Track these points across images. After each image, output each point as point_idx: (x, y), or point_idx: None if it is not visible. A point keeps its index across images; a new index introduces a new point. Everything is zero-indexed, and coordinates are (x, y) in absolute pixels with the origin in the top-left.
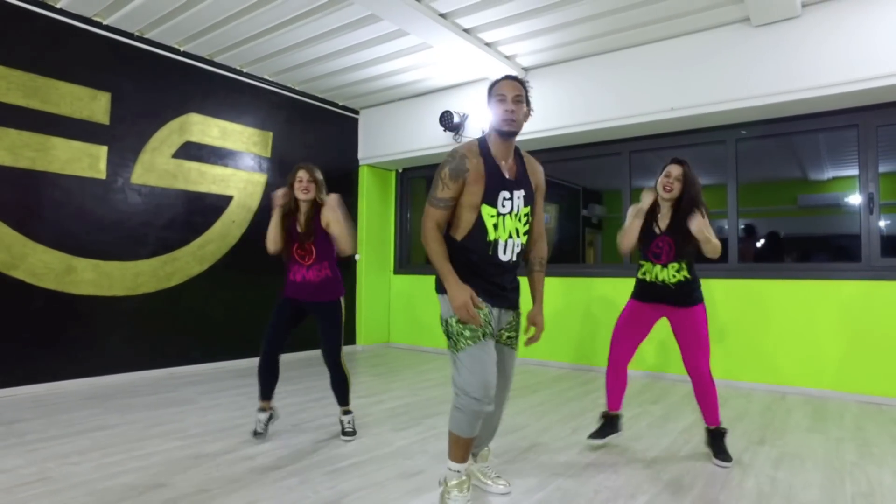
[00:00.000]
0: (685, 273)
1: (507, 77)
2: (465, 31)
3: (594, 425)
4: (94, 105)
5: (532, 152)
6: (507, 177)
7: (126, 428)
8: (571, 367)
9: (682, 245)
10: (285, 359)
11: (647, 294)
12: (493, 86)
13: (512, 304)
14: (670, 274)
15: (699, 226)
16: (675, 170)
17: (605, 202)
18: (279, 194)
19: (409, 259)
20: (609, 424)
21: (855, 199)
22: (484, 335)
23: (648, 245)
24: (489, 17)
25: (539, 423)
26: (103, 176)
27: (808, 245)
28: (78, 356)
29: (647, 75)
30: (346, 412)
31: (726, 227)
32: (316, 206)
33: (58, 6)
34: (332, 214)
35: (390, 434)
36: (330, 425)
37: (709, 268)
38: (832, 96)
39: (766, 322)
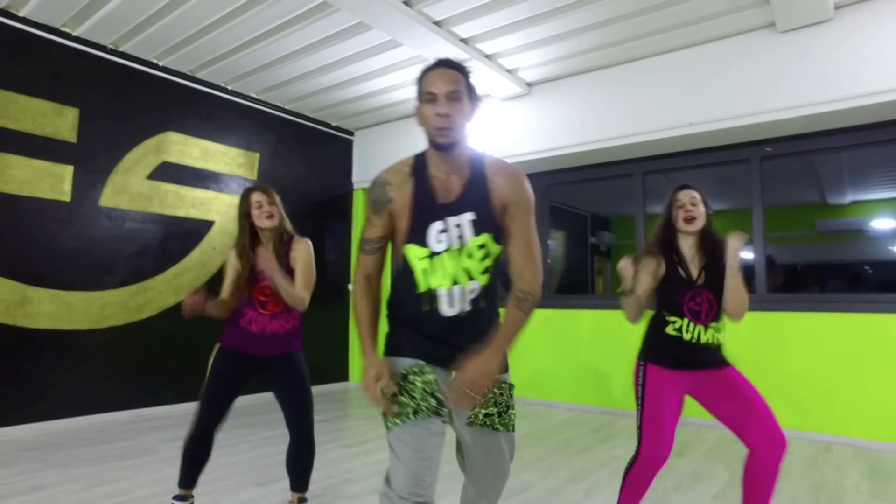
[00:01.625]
0: (724, 333)
1: (438, 63)
2: (463, 41)
3: (612, 485)
4: (60, 121)
5: (537, 174)
6: (439, 201)
7: (60, 489)
8: (581, 408)
9: (721, 301)
10: (265, 398)
11: (678, 354)
12: (420, 78)
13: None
14: (712, 336)
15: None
16: (685, 195)
17: (615, 229)
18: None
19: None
20: None
21: (882, 223)
22: (416, 412)
23: (681, 299)
24: (488, 24)
25: (546, 482)
26: (67, 198)
27: (827, 273)
28: (29, 398)
29: (662, 88)
30: (303, 500)
31: (752, 255)
32: (282, 239)
33: (20, 14)
34: (305, 255)
35: (370, 498)
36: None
37: None
38: (871, 106)
39: (802, 360)
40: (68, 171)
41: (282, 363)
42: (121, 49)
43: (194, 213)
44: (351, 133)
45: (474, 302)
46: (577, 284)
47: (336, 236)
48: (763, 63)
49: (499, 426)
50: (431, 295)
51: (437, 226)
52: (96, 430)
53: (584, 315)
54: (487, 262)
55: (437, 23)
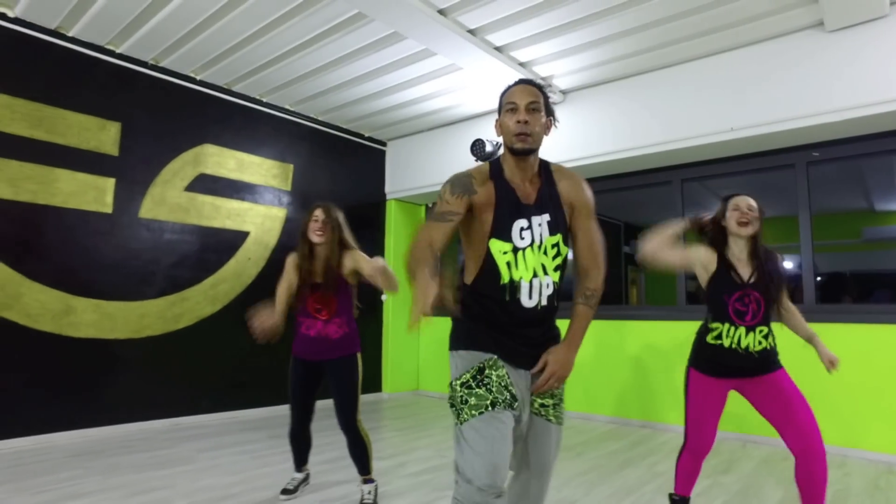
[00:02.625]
0: (772, 340)
1: (520, 81)
2: (497, 49)
3: (655, 502)
4: (103, 135)
5: None
6: (523, 202)
7: (103, 496)
8: (618, 421)
9: (772, 303)
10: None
11: (720, 366)
12: (503, 94)
13: (535, 361)
14: (756, 340)
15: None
16: (742, 201)
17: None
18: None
19: (441, 300)
20: None
21: None
22: (494, 404)
23: (728, 298)
24: (522, 32)
25: (589, 497)
26: (109, 210)
27: (873, 283)
28: (73, 406)
29: (702, 93)
30: (367, 481)
31: (799, 263)
32: (335, 253)
33: (69, 34)
34: (362, 261)
35: None
36: (350, 495)
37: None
38: None
39: (858, 375)
40: (110, 183)
41: (335, 368)
42: (161, 64)
43: (230, 224)
44: (384, 143)
45: (550, 298)
46: (610, 294)
47: (368, 247)
48: (811, 64)
49: (551, 417)
50: (514, 286)
51: (520, 223)
52: (135, 438)
53: (620, 326)
54: (558, 261)
55: (471, 31)
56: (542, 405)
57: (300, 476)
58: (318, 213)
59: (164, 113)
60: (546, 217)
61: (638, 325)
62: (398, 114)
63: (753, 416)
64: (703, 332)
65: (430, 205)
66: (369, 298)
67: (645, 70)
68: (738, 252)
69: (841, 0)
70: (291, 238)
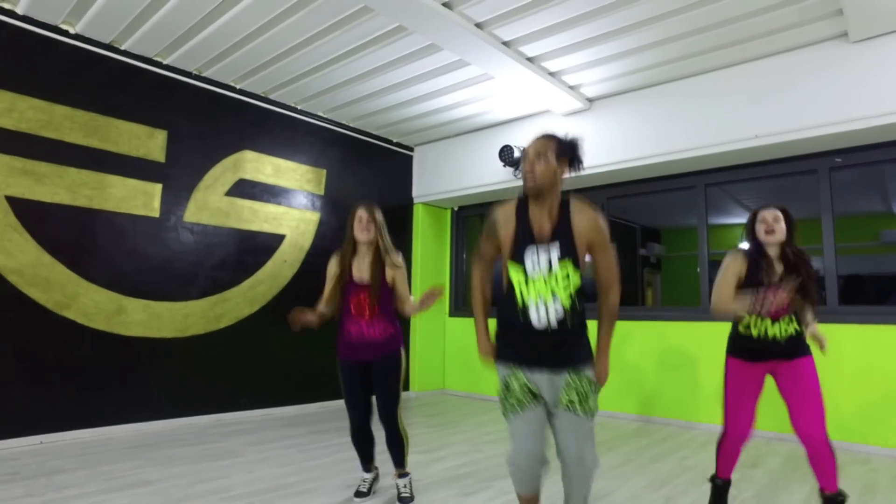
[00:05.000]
0: (795, 325)
1: (536, 137)
2: (529, 59)
3: (689, 493)
4: (151, 143)
5: (598, 188)
6: (535, 233)
7: (167, 485)
8: (644, 419)
9: (797, 300)
10: (336, 405)
11: (753, 353)
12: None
13: (559, 363)
14: (782, 329)
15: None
16: (769, 213)
17: (665, 240)
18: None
19: (466, 301)
20: (725, 493)
21: None
22: (521, 405)
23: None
24: (554, 44)
25: (625, 488)
26: (157, 214)
27: (891, 285)
28: (125, 401)
29: (726, 102)
30: (402, 475)
31: (822, 266)
32: (377, 253)
33: (122, 48)
34: (401, 285)
35: (457, 500)
36: (387, 488)
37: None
38: None
39: (881, 374)
40: (157, 188)
41: (380, 364)
42: (204, 74)
43: (267, 228)
44: (411, 149)
45: (561, 322)
46: (627, 296)
47: (397, 249)
48: (835, 74)
49: (579, 410)
50: (525, 309)
51: (530, 253)
52: (184, 432)
53: (639, 327)
54: (569, 286)
55: (505, 43)
56: (570, 401)
57: (370, 476)
58: (362, 213)
59: (207, 121)
60: (557, 245)
61: (655, 326)
62: (427, 120)
63: (776, 414)
64: (735, 323)
65: (457, 208)
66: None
67: (671, 79)
68: (770, 258)
69: (865, 12)
70: (325, 240)
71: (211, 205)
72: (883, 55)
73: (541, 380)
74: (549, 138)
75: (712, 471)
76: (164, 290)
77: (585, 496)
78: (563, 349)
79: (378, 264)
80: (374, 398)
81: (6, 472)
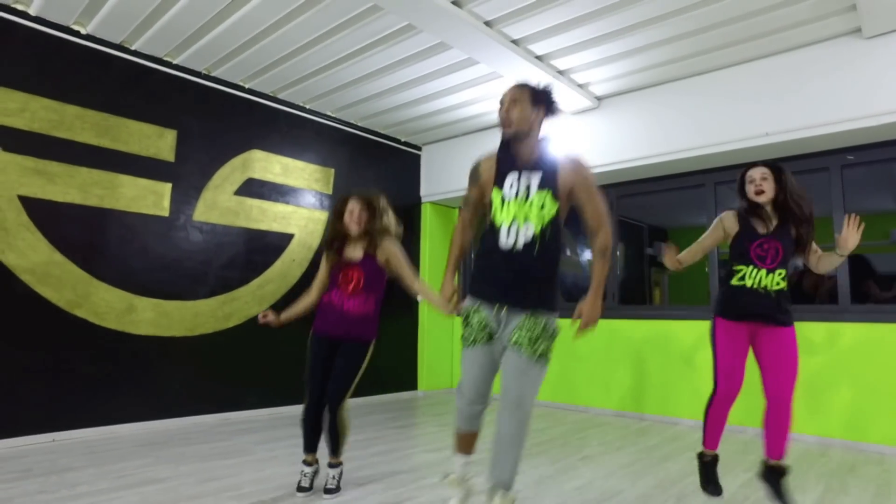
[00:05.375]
0: (785, 283)
1: (511, 85)
2: (538, 58)
3: (700, 493)
4: (161, 142)
5: (608, 187)
6: (518, 162)
7: (178, 482)
8: (652, 418)
9: (790, 251)
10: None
11: (741, 306)
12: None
13: (519, 302)
14: (774, 281)
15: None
16: (756, 172)
17: (672, 240)
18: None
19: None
20: (714, 467)
21: None
22: (475, 340)
23: (749, 247)
24: (563, 42)
25: (635, 487)
26: (166, 213)
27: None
28: (134, 399)
29: (737, 99)
30: (335, 465)
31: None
32: (372, 237)
33: (132, 48)
34: (396, 252)
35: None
36: (401, 485)
37: (811, 309)
38: None
39: (889, 371)
40: (167, 188)
41: (346, 349)
42: (213, 74)
43: (276, 227)
44: (419, 148)
45: (527, 245)
46: (634, 296)
47: (405, 248)
48: (848, 70)
49: (525, 351)
50: (497, 229)
51: (511, 177)
52: (192, 431)
53: (648, 326)
54: (544, 213)
55: (514, 41)
56: (517, 341)
57: (310, 470)
58: (353, 205)
59: (216, 120)
60: (538, 175)
61: (665, 325)
62: (435, 119)
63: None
64: (727, 277)
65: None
66: (405, 298)
67: (680, 77)
68: (762, 213)
69: (878, 8)
70: None
71: (220, 204)
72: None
73: (498, 318)
74: (522, 86)
75: (726, 469)
76: (173, 290)
77: (518, 444)
78: (523, 282)
79: (371, 246)
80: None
81: (19, 469)
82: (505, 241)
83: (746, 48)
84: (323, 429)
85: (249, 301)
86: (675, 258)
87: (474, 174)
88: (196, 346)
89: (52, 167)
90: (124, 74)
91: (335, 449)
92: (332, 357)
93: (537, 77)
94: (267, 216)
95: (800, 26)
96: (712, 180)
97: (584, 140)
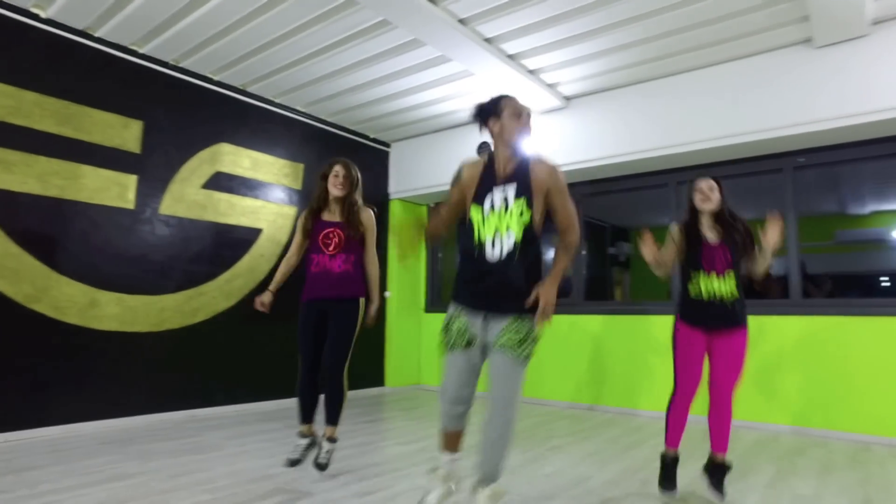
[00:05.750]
0: (737, 290)
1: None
2: (510, 56)
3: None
4: (126, 133)
5: (574, 185)
6: (498, 177)
7: (147, 478)
8: (615, 410)
9: (737, 254)
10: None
11: (699, 317)
12: (510, 100)
13: (502, 308)
14: (728, 290)
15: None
16: (704, 183)
17: (633, 240)
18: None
19: (441, 297)
20: (674, 467)
21: None
22: (454, 346)
23: (697, 255)
24: (535, 42)
25: (602, 473)
26: (132, 206)
27: (844, 283)
28: (97, 397)
29: (697, 101)
30: (331, 439)
31: (786, 263)
32: (350, 205)
33: (96, 35)
34: (372, 225)
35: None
36: (375, 476)
37: (766, 304)
38: None
39: (839, 362)
40: (132, 180)
41: (337, 310)
42: (181, 65)
43: (244, 222)
44: (387, 145)
45: (510, 254)
46: (595, 296)
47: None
48: (800, 77)
49: (510, 353)
50: (482, 243)
51: (489, 194)
52: (158, 428)
53: (612, 321)
54: (522, 220)
55: (487, 40)
56: (504, 343)
57: (304, 442)
58: (339, 169)
59: (183, 112)
60: (514, 185)
61: (628, 320)
62: (405, 116)
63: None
64: (684, 284)
65: (433, 205)
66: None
67: (646, 79)
68: (707, 223)
69: (828, 19)
70: None
71: (187, 197)
72: (843, 61)
73: (482, 325)
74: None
75: (685, 458)
76: (138, 284)
77: (503, 439)
78: (507, 290)
79: (350, 210)
80: (321, 357)
81: None
82: (490, 252)
83: (708, 53)
84: (320, 397)
85: (217, 296)
86: (654, 251)
87: (457, 177)
88: (162, 342)
89: (9, 155)
90: (87, 62)
91: (334, 417)
92: (323, 322)
93: (507, 76)
94: (235, 210)
95: (757, 34)
96: (674, 180)
97: (552, 139)
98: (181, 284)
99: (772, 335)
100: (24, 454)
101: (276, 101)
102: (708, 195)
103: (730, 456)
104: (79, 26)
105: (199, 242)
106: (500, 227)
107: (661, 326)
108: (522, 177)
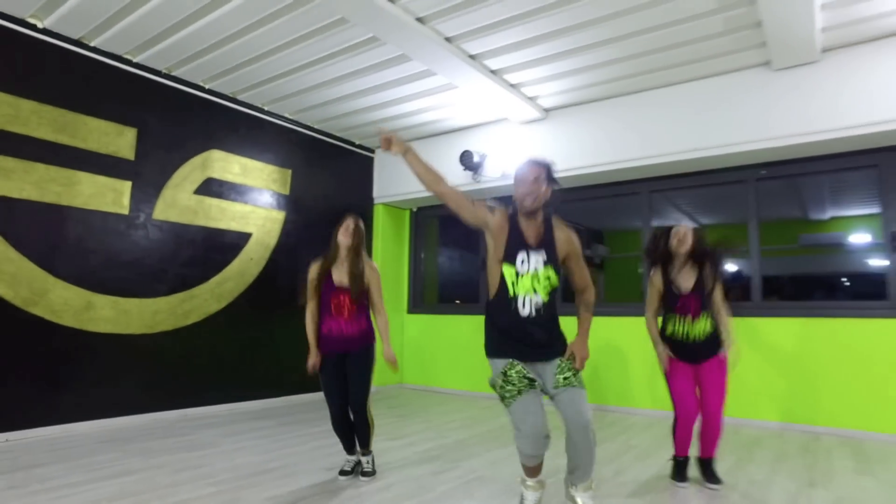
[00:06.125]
0: (711, 324)
1: (528, 162)
2: (492, 72)
3: (634, 467)
4: (121, 140)
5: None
6: (527, 241)
7: (152, 473)
8: (594, 407)
9: (709, 301)
10: (300, 399)
11: (681, 353)
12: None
13: (546, 356)
14: (702, 330)
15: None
16: (680, 229)
17: (608, 242)
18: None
19: (423, 299)
20: (685, 466)
21: (858, 238)
22: (520, 392)
23: (673, 303)
24: (517, 59)
25: None
26: (126, 211)
27: (808, 285)
28: (92, 397)
29: (669, 117)
30: (366, 453)
31: (749, 265)
32: (356, 258)
33: (92, 44)
34: (378, 278)
35: (430, 478)
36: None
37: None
38: (852, 138)
39: (793, 361)
40: (127, 186)
41: (354, 358)
42: (174, 73)
43: (234, 226)
44: (372, 151)
45: (538, 311)
46: (570, 294)
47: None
48: (759, 97)
49: (575, 383)
50: (515, 298)
51: (522, 255)
52: (152, 427)
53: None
54: (547, 285)
55: (472, 56)
56: (566, 378)
57: (354, 458)
58: (349, 222)
59: (176, 119)
60: (543, 254)
61: (607, 321)
62: (390, 125)
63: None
64: (663, 326)
65: (415, 209)
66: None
67: (620, 94)
68: (680, 265)
69: (782, 45)
70: (290, 239)
71: (180, 203)
72: (797, 83)
73: (534, 368)
74: (541, 165)
75: (655, 449)
76: (132, 287)
77: (594, 451)
78: (546, 339)
79: (357, 268)
80: (347, 395)
81: None
82: (522, 310)
83: (677, 72)
84: (353, 427)
85: (208, 298)
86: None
87: (489, 213)
88: (155, 344)
89: (7, 162)
90: (82, 71)
91: (365, 442)
92: (343, 367)
93: (490, 89)
94: (226, 215)
95: (722, 56)
96: (647, 188)
97: (532, 148)
98: (174, 287)
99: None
100: (25, 453)
101: (266, 108)
102: (684, 239)
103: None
104: (75, 36)
105: (190, 246)
106: (530, 288)
107: (633, 326)
108: (550, 244)
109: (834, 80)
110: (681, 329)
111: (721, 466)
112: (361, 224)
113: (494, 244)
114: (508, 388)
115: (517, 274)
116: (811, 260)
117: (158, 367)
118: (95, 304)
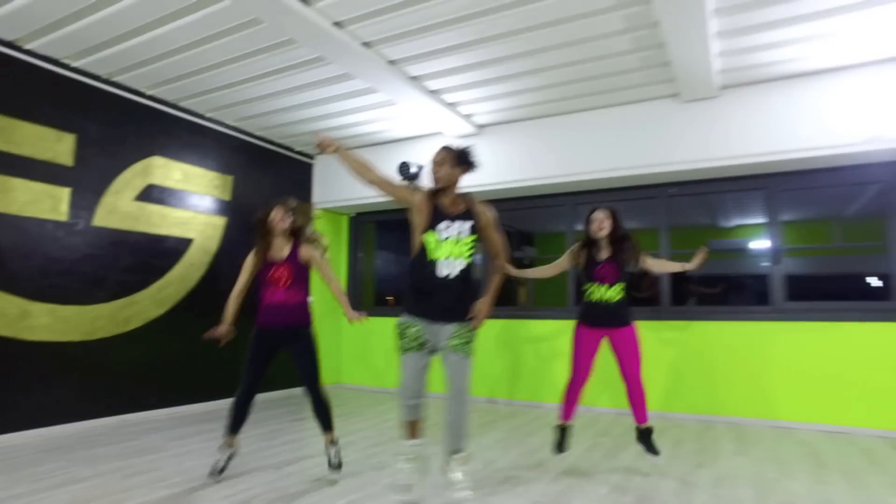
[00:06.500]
0: (623, 293)
1: (440, 148)
2: (431, 91)
3: (555, 457)
4: (59, 146)
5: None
6: (447, 212)
7: (103, 480)
8: (516, 403)
9: (623, 268)
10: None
11: (592, 316)
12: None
13: (447, 317)
14: (614, 294)
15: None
16: (598, 214)
17: (538, 244)
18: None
19: (361, 301)
20: (565, 433)
21: (758, 244)
22: (410, 349)
23: (592, 271)
24: (455, 82)
25: (507, 455)
26: (65, 218)
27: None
28: (30, 406)
29: (591, 138)
30: (332, 442)
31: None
32: (295, 235)
33: (26, 47)
34: (325, 266)
35: (374, 476)
36: (313, 466)
37: (641, 310)
38: (743, 165)
39: (692, 358)
40: (66, 192)
41: (296, 339)
42: (115, 80)
43: (176, 232)
44: (311, 157)
45: (455, 275)
46: (500, 296)
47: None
48: (668, 124)
49: (462, 352)
50: (434, 262)
51: (444, 223)
52: (92, 434)
53: (513, 325)
54: (471, 250)
55: (413, 77)
56: (454, 344)
57: (227, 453)
58: (275, 213)
59: (116, 126)
60: (469, 223)
61: (532, 324)
62: (332, 134)
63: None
64: (582, 293)
65: (354, 215)
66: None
67: (545, 115)
68: (601, 245)
69: (687, 81)
70: (231, 244)
71: (120, 209)
72: (701, 114)
73: (432, 330)
74: (447, 149)
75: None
76: (71, 294)
77: (464, 418)
78: (455, 303)
79: (295, 243)
80: (263, 380)
81: None
82: (442, 271)
83: (597, 99)
84: (248, 415)
85: (149, 304)
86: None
87: (412, 193)
88: (94, 350)
89: None
90: (17, 74)
91: (328, 423)
92: (272, 351)
93: (427, 106)
94: (167, 221)
95: (636, 87)
96: (572, 201)
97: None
98: (114, 294)
99: (645, 334)
100: None
101: (208, 115)
102: (601, 224)
103: (606, 440)
104: (8, 38)
105: (131, 253)
106: (452, 253)
107: (559, 328)
108: (473, 217)
109: (729, 115)
110: (598, 294)
111: (628, 455)
112: (291, 201)
113: (419, 218)
114: (403, 342)
115: (437, 241)
116: (721, 263)
117: (97, 374)
118: (32, 311)
